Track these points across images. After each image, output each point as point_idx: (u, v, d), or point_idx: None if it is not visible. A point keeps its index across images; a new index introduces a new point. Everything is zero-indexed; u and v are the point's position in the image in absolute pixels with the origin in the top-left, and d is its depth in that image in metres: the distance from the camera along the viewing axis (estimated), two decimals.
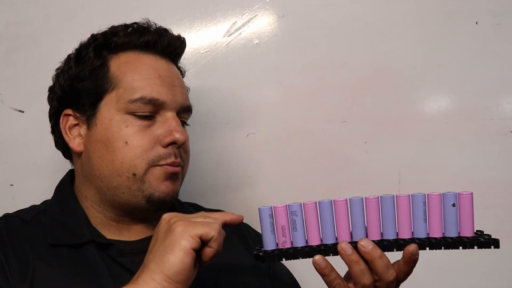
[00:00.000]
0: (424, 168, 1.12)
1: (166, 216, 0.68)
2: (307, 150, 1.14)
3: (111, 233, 0.84)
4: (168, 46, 0.87)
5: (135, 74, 0.82)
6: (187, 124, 0.90)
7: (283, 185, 1.14)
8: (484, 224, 1.09)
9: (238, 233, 0.96)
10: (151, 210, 0.83)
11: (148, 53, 0.85)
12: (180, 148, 0.84)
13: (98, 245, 0.80)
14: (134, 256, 0.80)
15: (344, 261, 0.69)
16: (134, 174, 0.80)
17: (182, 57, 0.94)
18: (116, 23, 0.89)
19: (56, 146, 0.90)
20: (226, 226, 0.99)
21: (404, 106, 1.13)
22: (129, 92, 0.81)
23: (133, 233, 0.85)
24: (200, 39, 1.16)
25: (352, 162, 1.14)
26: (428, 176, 1.11)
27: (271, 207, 0.71)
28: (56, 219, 0.82)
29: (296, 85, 1.15)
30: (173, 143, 0.81)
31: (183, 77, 0.95)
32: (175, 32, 0.90)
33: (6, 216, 0.84)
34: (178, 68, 0.93)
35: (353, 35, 1.14)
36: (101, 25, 0.89)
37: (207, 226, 0.65)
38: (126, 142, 0.80)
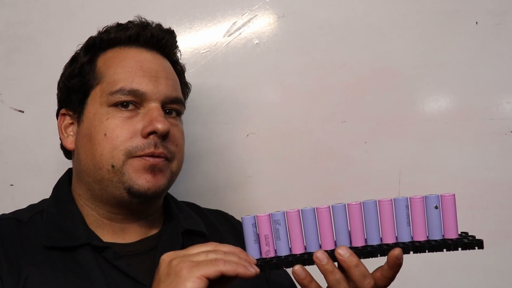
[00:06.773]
0: (424, 168, 1.12)
1: (165, 257, 0.65)
2: (307, 150, 1.14)
3: (105, 234, 0.82)
4: (152, 38, 0.86)
5: (118, 67, 0.82)
6: (179, 115, 0.87)
7: (283, 185, 1.14)
8: (484, 224, 1.10)
9: (234, 233, 0.96)
10: (136, 203, 0.81)
11: (134, 47, 0.85)
12: (169, 141, 0.81)
13: (94, 248, 0.78)
14: (130, 259, 0.79)
15: (320, 271, 0.67)
16: (113, 166, 0.78)
17: (182, 56, 0.94)
18: (116, 23, 0.90)
19: (60, 147, 0.90)
20: (224, 221, 0.99)
21: (404, 106, 1.13)
22: (111, 85, 0.81)
23: (127, 234, 0.84)
24: (200, 39, 1.16)
25: (352, 162, 1.14)
26: (428, 176, 1.11)
27: (254, 216, 0.69)
28: (52, 220, 0.81)
29: (296, 85, 1.15)
30: (153, 132, 0.79)
31: (183, 71, 0.94)
32: (176, 33, 0.90)
33: (1, 218, 0.82)
34: (176, 61, 0.92)
35: (353, 35, 1.14)
36: (101, 25, 0.89)
37: (212, 265, 0.61)
38: (105, 134, 0.79)
